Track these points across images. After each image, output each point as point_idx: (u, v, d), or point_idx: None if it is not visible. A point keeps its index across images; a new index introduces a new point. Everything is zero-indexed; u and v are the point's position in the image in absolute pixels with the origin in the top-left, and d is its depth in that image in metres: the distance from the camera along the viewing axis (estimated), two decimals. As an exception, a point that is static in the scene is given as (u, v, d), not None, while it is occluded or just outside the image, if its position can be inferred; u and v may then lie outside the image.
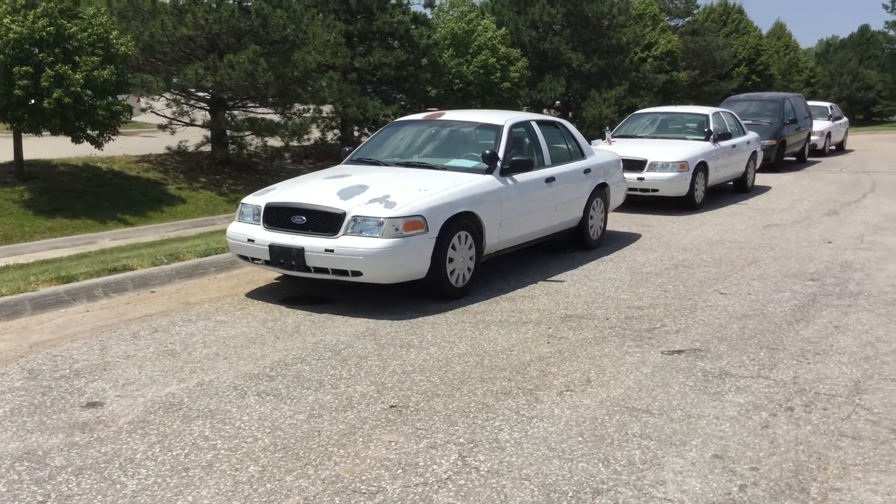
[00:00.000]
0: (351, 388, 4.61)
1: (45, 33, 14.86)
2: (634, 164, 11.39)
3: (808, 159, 20.87)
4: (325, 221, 6.11)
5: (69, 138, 15.91)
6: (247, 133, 18.71)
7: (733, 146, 13.28)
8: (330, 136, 22.32)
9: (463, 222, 6.48)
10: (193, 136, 18.45)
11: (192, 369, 4.85)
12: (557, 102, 28.10)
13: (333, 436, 3.98)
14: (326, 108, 20.91)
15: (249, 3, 18.45)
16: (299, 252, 6.05)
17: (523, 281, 7.24)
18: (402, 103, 22.78)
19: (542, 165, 7.78)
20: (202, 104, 19.00)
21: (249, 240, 6.37)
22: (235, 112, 19.16)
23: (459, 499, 3.39)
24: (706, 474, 3.65)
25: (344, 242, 5.96)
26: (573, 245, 8.60)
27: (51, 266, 8.05)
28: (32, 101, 14.78)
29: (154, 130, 19.96)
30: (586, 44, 26.38)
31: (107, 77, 15.25)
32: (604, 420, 4.22)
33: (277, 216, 6.34)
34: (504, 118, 7.79)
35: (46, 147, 17.20)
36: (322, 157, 20.93)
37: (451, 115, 8.32)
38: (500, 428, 4.10)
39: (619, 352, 5.32)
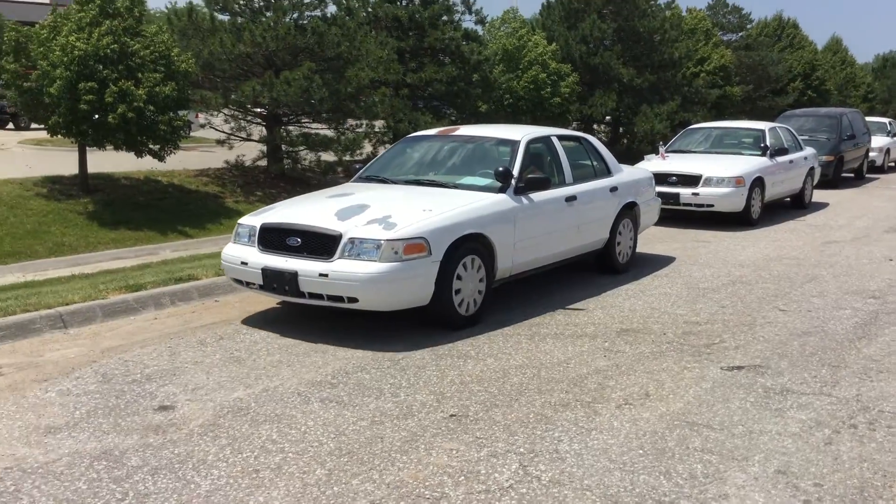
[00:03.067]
0: (411, 397, 4.70)
1: (109, 50, 15.36)
2: (689, 179, 11.33)
3: (867, 176, 20.45)
4: (321, 244, 5.72)
5: (132, 152, 16.42)
6: (301, 148, 19.06)
7: (790, 162, 13.11)
8: (382, 150, 22.58)
9: (471, 245, 6.05)
10: (250, 151, 18.86)
11: (258, 376, 4.99)
12: (608, 118, 28.00)
13: (396, 442, 4.07)
14: (378, 124, 21.19)
15: (306, 22, 18.85)
16: (292, 276, 5.65)
17: (577, 295, 7.26)
18: (453, 118, 22.95)
19: (562, 183, 7.31)
20: (259, 120, 19.42)
21: (243, 262, 6.00)
22: (290, 127, 19.54)
23: (521, 506, 3.45)
24: (769, 489, 3.64)
25: (339, 266, 5.56)
26: (599, 269, 8.11)
27: (115, 276, 8.32)
28: (97, 116, 15.27)
29: (212, 145, 20.45)
30: (637, 59, 26.25)
31: (168, 93, 15.70)
32: (664, 434, 4.22)
33: (272, 238, 5.97)
34: (521, 133, 7.32)
35: (108, 161, 17.74)
36: (374, 172, 21.21)
37: (465, 130, 7.93)
38: (559, 439, 4.14)
39: (677, 367, 5.31)
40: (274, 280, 5.77)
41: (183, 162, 18.18)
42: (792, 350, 5.71)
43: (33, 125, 28.84)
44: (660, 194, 11.22)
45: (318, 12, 19.33)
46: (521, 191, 6.69)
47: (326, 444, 4.03)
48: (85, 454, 3.87)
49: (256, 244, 6.03)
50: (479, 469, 3.79)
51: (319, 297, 5.67)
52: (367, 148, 21.41)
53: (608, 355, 5.53)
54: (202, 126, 19.38)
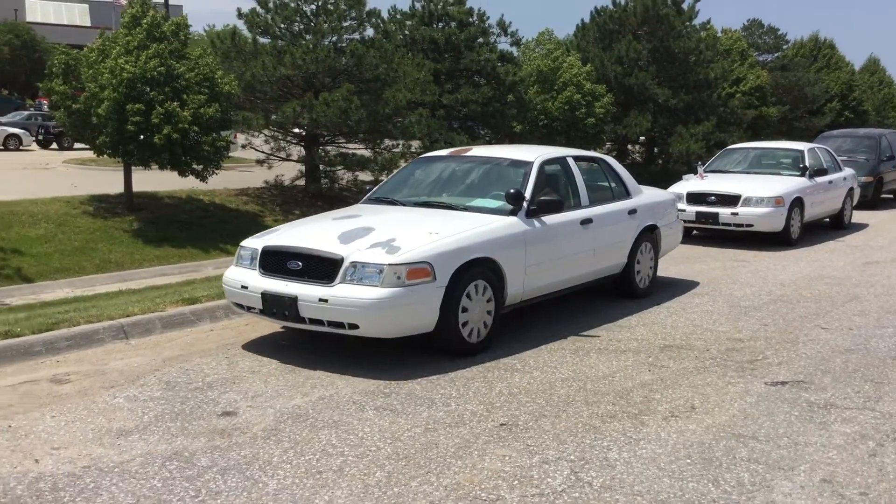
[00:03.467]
0: (461, 407, 4.85)
1: (156, 73, 15.84)
2: (728, 199, 11.40)
3: (906, 197, 20.27)
4: (322, 267, 5.54)
5: (175, 172, 16.86)
6: (339, 167, 19.41)
7: (829, 182, 13.11)
8: (418, 170, 22.88)
9: (479, 270, 5.83)
10: (289, 171, 19.22)
11: (313, 384, 5.19)
12: (643, 138, 28.07)
13: (450, 448, 4.22)
14: (415, 144, 21.49)
15: (344, 45, 19.24)
16: (292, 301, 5.48)
17: (618, 312, 7.37)
18: (488, 139, 23.19)
19: (577, 206, 7.09)
20: (297, 140, 19.81)
21: (243, 286, 5.82)
22: (328, 147, 19.89)
23: (576, 509, 3.58)
24: (815, 497, 3.74)
25: (340, 292, 5.38)
26: (618, 293, 7.87)
27: (166, 290, 8.59)
28: (142, 137, 15.72)
29: (251, 165, 20.86)
30: (673, 79, 26.31)
31: (212, 114, 16.13)
32: (711, 444, 4.33)
33: (273, 261, 5.80)
34: (535, 154, 7.09)
35: (151, 180, 18.21)
36: (410, 191, 21.52)
37: (478, 150, 7.72)
38: (608, 448, 4.27)
39: (721, 381, 5.41)
40: (274, 305, 5.61)
41: (224, 181, 18.59)
42: (835, 366, 5.77)
43: (77, 145, 29.67)
44: (698, 214, 11.26)
45: (356, 35, 19.70)
46: (533, 213, 6.48)
47: (384, 449, 4.19)
48: (157, 455, 4.07)
49: (258, 267, 5.87)
50: (532, 474, 3.93)
51: (320, 322, 5.50)
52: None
53: (652, 370, 5.64)
54: (242, 146, 19.80)
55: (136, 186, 17.35)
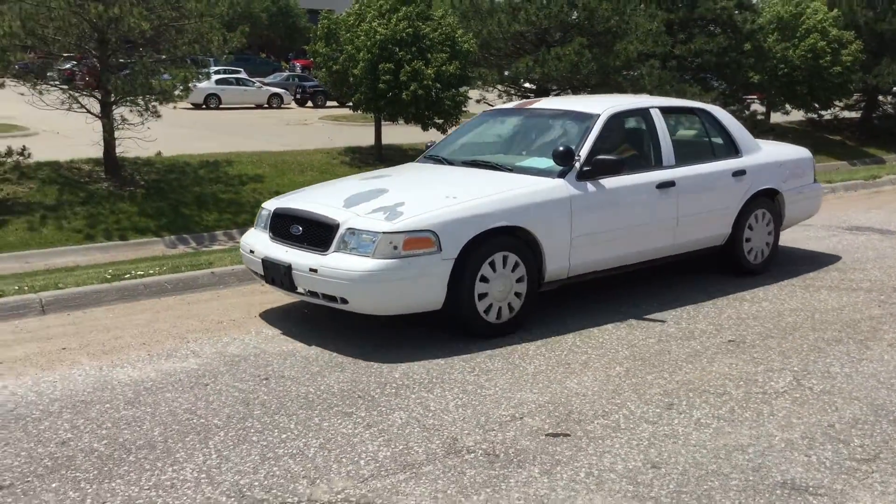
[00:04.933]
0: (692, 325, 5.44)
1: (404, 34, 17.26)
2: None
3: None
4: (319, 233, 5.08)
5: (418, 126, 18.32)
6: (569, 120, 19.97)
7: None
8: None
9: (503, 240, 5.14)
10: (521, 124, 20.06)
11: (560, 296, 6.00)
12: (895, 88, 25.94)
13: (681, 355, 4.85)
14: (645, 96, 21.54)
15: (577, -1, 19.64)
16: (287, 270, 5.07)
17: (850, 256, 7.47)
18: (722, 89, 22.66)
19: (658, 166, 6.11)
20: (528, 94, 20.60)
21: (251, 251, 5.50)
22: (559, 101, 20.50)
23: (797, 405, 4.10)
24: None
25: (330, 261, 4.89)
26: (722, 268, 6.79)
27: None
28: (390, 94, 17.26)
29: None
30: (935, 22, 24.05)
31: (452, 71, 17.34)
32: (935, 367, 4.62)
33: (280, 225, 5.41)
34: (604, 105, 6.16)
35: (396, 133, 19.88)
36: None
37: (544, 102, 6.86)
38: (831, 364, 4.69)
39: (955, 318, 5.54)
40: (272, 272, 5.24)
41: (461, 134, 19.83)
42: None
43: (329, 103, 32.54)
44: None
45: (590, -12, 19.99)
46: (587, 175, 5.59)
47: (621, 352, 4.91)
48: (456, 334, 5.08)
49: (268, 231, 5.51)
50: (757, 378, 4.48)
51: (315, 294, 5.04)
52: (633, 121, 21.88)
53: (883, 306, 5.86)
54: (477, 101, 20.93)
55: (384, 139, 19.07)
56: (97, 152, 14.43)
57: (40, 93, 13.10)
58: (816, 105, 25.26)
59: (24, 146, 12.91)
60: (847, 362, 4.72)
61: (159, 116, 14.28)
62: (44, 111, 13.36)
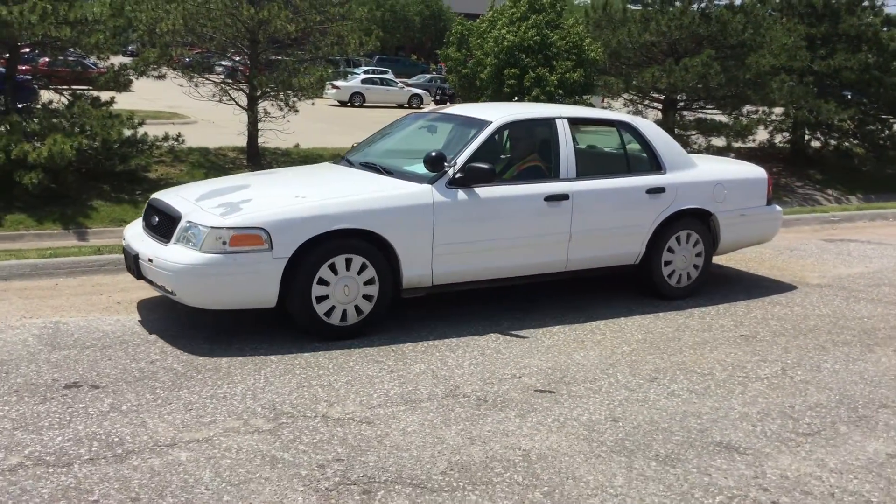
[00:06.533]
0: (713, 321, 5.92)
1: (532, 41, 17.99)
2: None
3: None
4: (167, 225, 5.18)
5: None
6: (693, 132, 20.03)
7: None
8: (779, 138, 22.46)
9: (349, 243, 5.08)
10: (644, 133, 20.29)
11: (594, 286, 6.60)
12: None
13: (689, 343, 5.38)
14: (778, 111, 21.20)
15: (711, 10, 19.67)
16: (135, 259, 5.20)
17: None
18: (862, 108, 21.90)
19: (555, 177, 5.87)
20: (655, 104, 20.80)
21: (124, 239, 5.64)
22: (685, 112, 20.58)
23: (770, 389, 4.59)
24: None
25: (166, 253, 4.99)
26: (639, 289, 6.47)
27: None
28: (516, 98, 18.03)
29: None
30: None
31: (576, 79, 17.90)
32: (926, 372, 4.92)
33: (147, 214, 5.58)
34: (502, 113, 5.98)
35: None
36: (767, 160, 21.32)
37: (457, 108, 6.69)
38: (824, 360, 5.10)
39: (981, 335, 5.71)
40: (127, 260, 5.43)
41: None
42: None
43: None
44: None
45: (725, 0, 19.99)
46: (459, 182, 5.43)
47: (635, 335, 5.50)
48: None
49: (142, 220, 5.67)
50: (747, 365, 4.96)
51: (159, 286, 5.11)
52: (762, 135, 21.55)
53: (915, 319, 6.10)
54: (604, 109, 21.33)
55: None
56: (242, 141, 16.03)
57: (196, 85, 14.78)
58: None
59: (179, 133, 14.57)
60: (841, 361, 5.10)
61: (297, 112, 15.70)
62: (204, 102, 15.08)
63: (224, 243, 4.82)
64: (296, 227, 4.93)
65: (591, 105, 19.47)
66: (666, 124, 20.09)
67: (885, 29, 21.43)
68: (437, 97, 36.31)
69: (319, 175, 6.21)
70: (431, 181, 5.43)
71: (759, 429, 4.07)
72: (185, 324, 5.37)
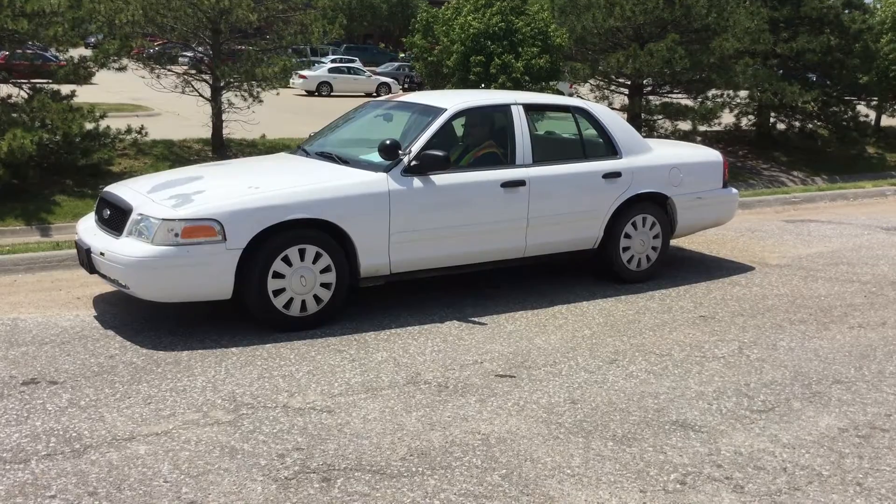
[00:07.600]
0: (673, 303, 6.00)
1: (497, 28, 18.00)
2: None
3: None
4: (118, 218, 5.11)
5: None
6: (659, 117, 20.17)
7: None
8: (744, 121, 22.70)
9: (303, 233, 5.04)
10: (611, 118, 20.41)
11: (562, 272, 6.65)
12: None
13: (649, 324, 5.46)
14: (742, 94, 21.41)
15: (675, -5, 19.77)
16: (87, 252, 5.13)
17: (874, 253, 7.73)
18: (826, 90, 22.20)
19: (511, 164, 5.86)
20: (622, 89, 20.91)
21: (77, 232, 5.53)
22: (651, 97, 20.72)
23: (726, 368, 4.67)
24: (949, 392, 4.38)
25: (117, 246, 4.91)
26: (596, 274, 6.56)
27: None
28: (482, 85, 18.05)
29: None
30: None
31: (542, 65, 17.94)
32: (875, 346, 5.03)
33: (99, 207, 5.50)
34: (456, 100, 5.96)
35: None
36: (733, 143, 21.55)
37: (413, 96, 6.67)
38: (780, 338, 5.20)
39: (932, 310, 5.86)
40: (80, 254, 5.32)
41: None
42: None
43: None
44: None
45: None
46: (414, 170, 5.42)
47: (596, 319, 5.56)
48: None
49: (95, 213, 5.58)
50: (704, 346, 5.04)
51: (112, 280, 5.02)
52: (729, 118, 21.78)
53: (869, 297, 6.22)
54: (570, 95, 21.39)
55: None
56: (207, 133, 15.88)
57: (158, 76, 14.61)
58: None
59: (142, 125, 14.42)
60: (797, 338, 5.19)
61: (261, 102, 15.57)
62: (168, 94, 14.91)
63: (176, 235, 4.76)
64: (249, 218, 4.87)
65: (560, 92, 19.55)
66: (632, 109, 20.23)
67: (846, 11, 21.72)
68: (405, 84, 36.22)
69: (274, 165, 6.17)
70: (386, 169, 5.40)
71: (715, 407, 4.14)
72: (145, 318, 5.34)
